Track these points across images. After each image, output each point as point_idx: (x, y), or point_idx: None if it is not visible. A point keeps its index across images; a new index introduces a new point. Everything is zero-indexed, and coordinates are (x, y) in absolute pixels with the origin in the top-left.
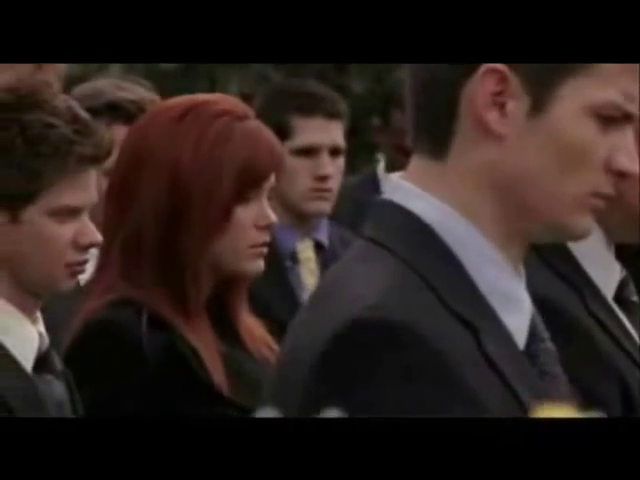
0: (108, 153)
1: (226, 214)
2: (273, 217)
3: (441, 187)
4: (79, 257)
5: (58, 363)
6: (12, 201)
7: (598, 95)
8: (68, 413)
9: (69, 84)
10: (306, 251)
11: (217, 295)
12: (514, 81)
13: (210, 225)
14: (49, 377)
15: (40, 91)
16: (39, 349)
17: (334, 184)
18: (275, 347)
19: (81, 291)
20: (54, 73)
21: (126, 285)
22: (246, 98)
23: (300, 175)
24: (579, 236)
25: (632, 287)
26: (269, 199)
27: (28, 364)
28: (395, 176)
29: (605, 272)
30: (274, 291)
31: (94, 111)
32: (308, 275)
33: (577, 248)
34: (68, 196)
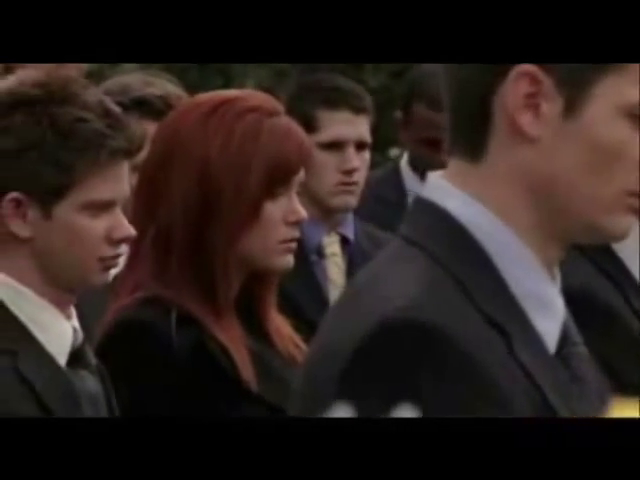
0: (140, 147)
1: (255, 210)
2: (303, 213)
3: (477, 189)
4: (112, 251)
5: (92, 358)
6: (44, 196)
7: (631, 94)
8: (102, 408)
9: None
10: (332, 246)
11: (246, 292)
12: (547, 82)
13: (239, 221)
14: (83, 372)
15: (70, 85)
16: (73, 344)
17: (360, 178)
18: (302, 345)
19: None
20: (76, 69)
21: (156, 283)
22: (264, 93)
23: (327, 169)
24: (617, 237)
25: None
26: (297, 194)
27: (62, 359)
28: (434, 175)
29: None
30: (300, 285)
31: (122, 107)
32: (334, 269)
33: (620, 247)
34: (100, 190)
